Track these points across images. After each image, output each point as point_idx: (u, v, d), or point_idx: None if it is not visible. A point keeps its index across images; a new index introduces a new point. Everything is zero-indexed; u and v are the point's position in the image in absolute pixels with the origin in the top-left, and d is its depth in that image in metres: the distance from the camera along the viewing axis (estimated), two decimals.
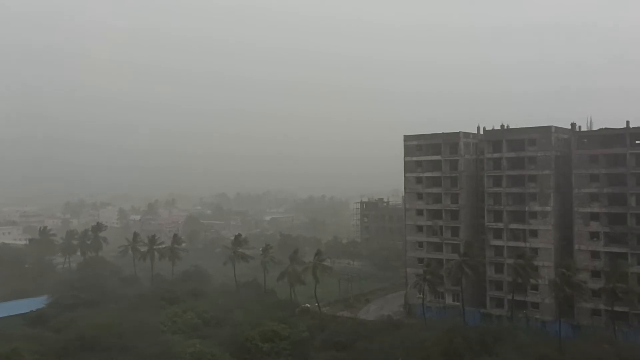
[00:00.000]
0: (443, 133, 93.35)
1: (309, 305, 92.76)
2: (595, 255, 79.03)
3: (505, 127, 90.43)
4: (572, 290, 70.18)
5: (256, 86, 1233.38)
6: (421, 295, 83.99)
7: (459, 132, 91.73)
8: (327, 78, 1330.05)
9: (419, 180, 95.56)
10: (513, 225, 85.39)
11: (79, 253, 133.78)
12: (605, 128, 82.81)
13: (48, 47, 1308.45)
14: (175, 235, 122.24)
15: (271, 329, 65.64)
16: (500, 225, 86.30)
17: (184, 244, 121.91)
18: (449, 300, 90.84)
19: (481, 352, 61.24)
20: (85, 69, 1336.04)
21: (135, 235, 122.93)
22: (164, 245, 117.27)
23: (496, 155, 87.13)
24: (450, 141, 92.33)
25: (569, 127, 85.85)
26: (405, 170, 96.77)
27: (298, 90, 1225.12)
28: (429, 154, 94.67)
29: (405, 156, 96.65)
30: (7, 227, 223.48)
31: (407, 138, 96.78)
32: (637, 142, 77.71)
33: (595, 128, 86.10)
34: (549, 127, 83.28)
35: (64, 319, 77.57)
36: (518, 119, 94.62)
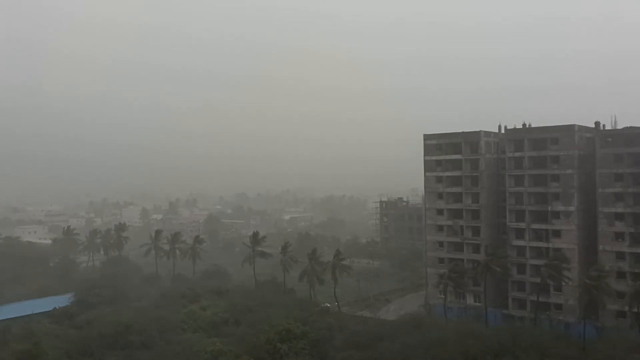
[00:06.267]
0: (463, 132, 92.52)
1: (328, 305, 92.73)
2: (620, 256, 77.51)
3: (527, 126, 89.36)
4: (600, 291, 68.78)
5: (277, 88, 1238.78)
6: (442, 296, 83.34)
7: (480, 130, 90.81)
8: (344, 80, 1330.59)
9: (439, 179, 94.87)
10: (535, 225, 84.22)
11: (102, 252, 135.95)
12: (630, 127, 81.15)
13: (87, 53, 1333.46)
14: (197, 236, 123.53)
15: (287, 328, 65.70)
16: (522, 225, 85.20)
17: (204, 243, 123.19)
18: (470, 300, 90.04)
19: (503, 353, 60.45)
20: (104, 72, 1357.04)
21: (157, 233, 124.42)
22: (185, 244, 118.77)
23: (518, 154, 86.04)
24: (470, 140, 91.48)
25: (592, 125, 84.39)
26: (425, 170, 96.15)
27: (317, 92, 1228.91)
28: (449, 153, 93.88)
29: (425, 155, 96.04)
30: (33, 227, 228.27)
31: (427, 137, 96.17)
32: None
33: (619, 127, 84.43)
34: (572, 126, 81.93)
35: (88, 316, 78.87)
36: (535, 116, 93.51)
